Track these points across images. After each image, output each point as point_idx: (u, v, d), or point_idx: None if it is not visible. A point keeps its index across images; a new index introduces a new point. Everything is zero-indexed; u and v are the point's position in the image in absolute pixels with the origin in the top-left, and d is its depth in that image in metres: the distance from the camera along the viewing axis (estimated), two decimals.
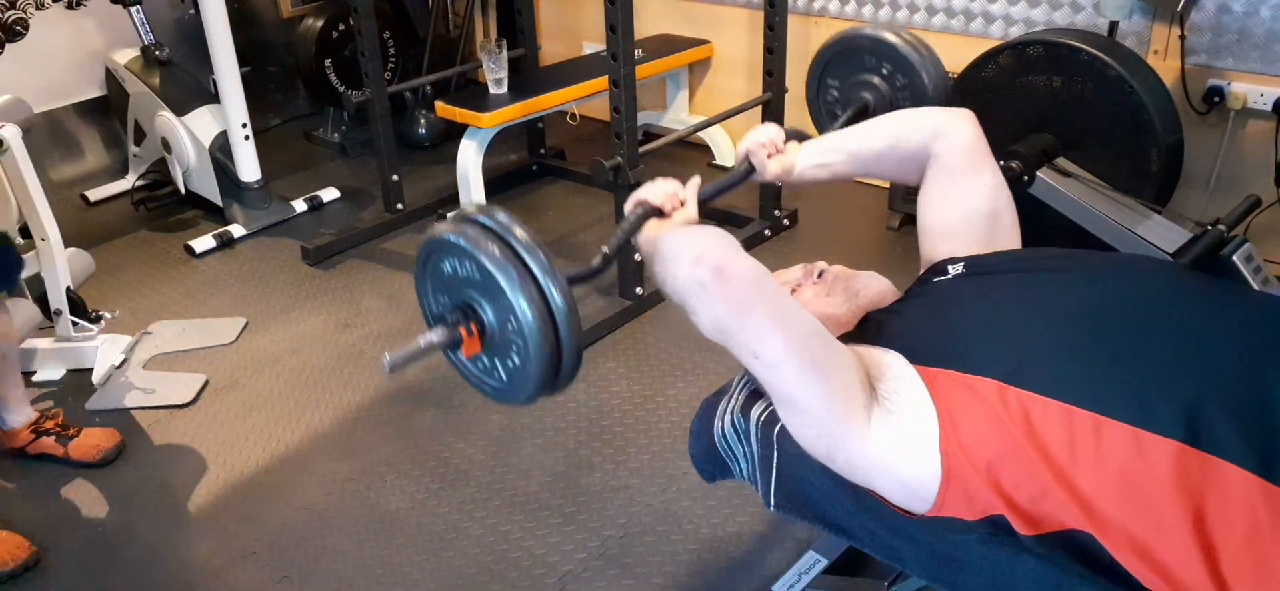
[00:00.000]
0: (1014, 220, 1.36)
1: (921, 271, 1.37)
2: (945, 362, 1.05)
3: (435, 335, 1.06)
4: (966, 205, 1.33)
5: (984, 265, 1.25)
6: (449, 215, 1.08)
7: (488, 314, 1.05)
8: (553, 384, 1.07)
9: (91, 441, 2.15)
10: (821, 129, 1.72)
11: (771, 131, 1.44)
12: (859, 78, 1.64)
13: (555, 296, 1.01)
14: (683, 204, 1.30)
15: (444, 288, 1.10)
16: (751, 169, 1.44)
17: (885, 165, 1.40)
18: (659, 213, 1.28)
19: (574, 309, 1.03)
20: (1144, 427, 0.93)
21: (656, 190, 1.29)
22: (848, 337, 1.22)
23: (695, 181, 1.33)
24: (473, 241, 1.02)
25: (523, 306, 1.00)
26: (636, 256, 2.60)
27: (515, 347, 1.04)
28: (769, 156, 1.42)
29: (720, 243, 1.08)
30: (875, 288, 1.32)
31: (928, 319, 1.18)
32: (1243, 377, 0.97)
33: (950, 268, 1.26)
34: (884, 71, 1.62)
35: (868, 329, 1.20)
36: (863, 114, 1.63)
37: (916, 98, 1.59)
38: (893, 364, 1.08)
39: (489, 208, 1.06)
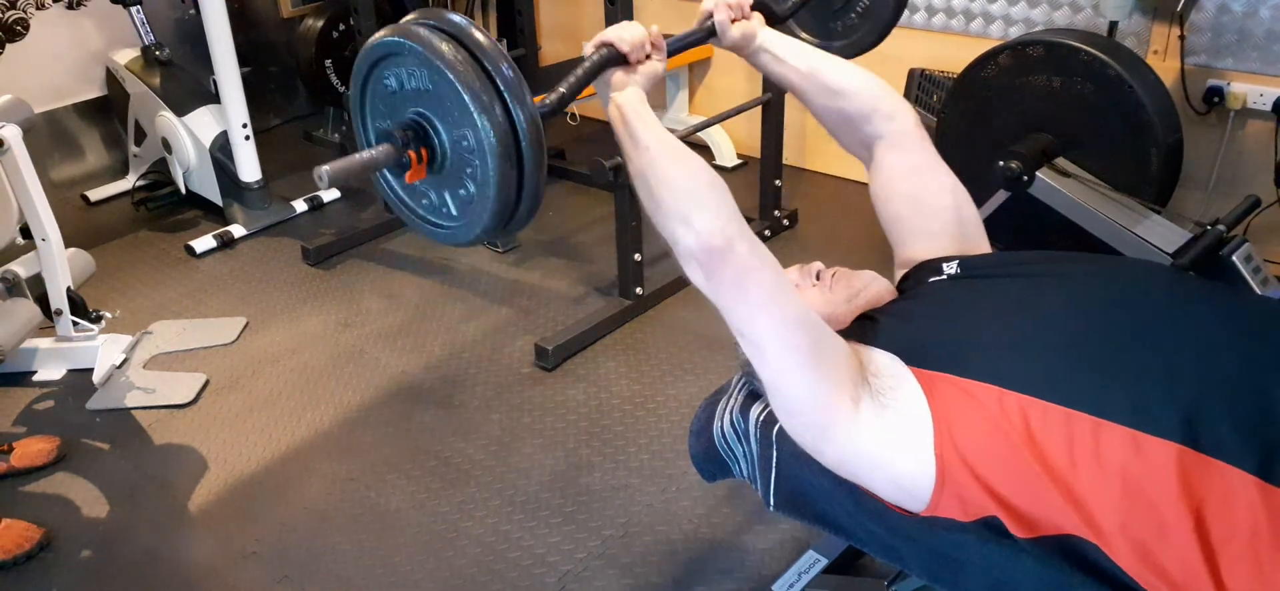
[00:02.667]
0: (978, 220, 1.36)
1: (900, 270, 1.36)
2: (943, 367, 1.05)
3: (380, 152, 0.93)
4: (929, 204, 1.34)
5: (980, 267, 1.25)
6: (402, 20, 0.94)
7: (440, 134, 0.93)
8: (506, 222, 0.96)
9: (33, 447, 2.15)
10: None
11: None
12: None
13: (521, 118, 0.89)
14: (649, 55, 1.22)
15: (388, 104, 0.97)
16: (713, 30, 1.36)
17: (830, 104, 1.36)
18: (624, 60, 1.19)
19: (542, 135, 0.91)
20: (1143, 430, 0.93)
21: (624, 33, 1.19)
22: (844, 336, 1.22)
23: (657, 29, 1.26)
24: (427, 47, 0.89)
25: (484, 123, 0.87)
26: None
27: (470, 173, 0.92)
28: (733, 20, 1.36)
29: (723, 216, 1.03)
30: (874, 288, 1.32)
31: (925, 321, 1.18)
32: (1242, 380, 0.96)
33: (945, 267, 1.26)
34: None
35: (864, 328, 1.20)
36: None
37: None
38: (887, 364, 1.08)
39: (439, 11, 0.93)
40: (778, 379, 1.06)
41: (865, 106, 1.34)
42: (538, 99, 1.00)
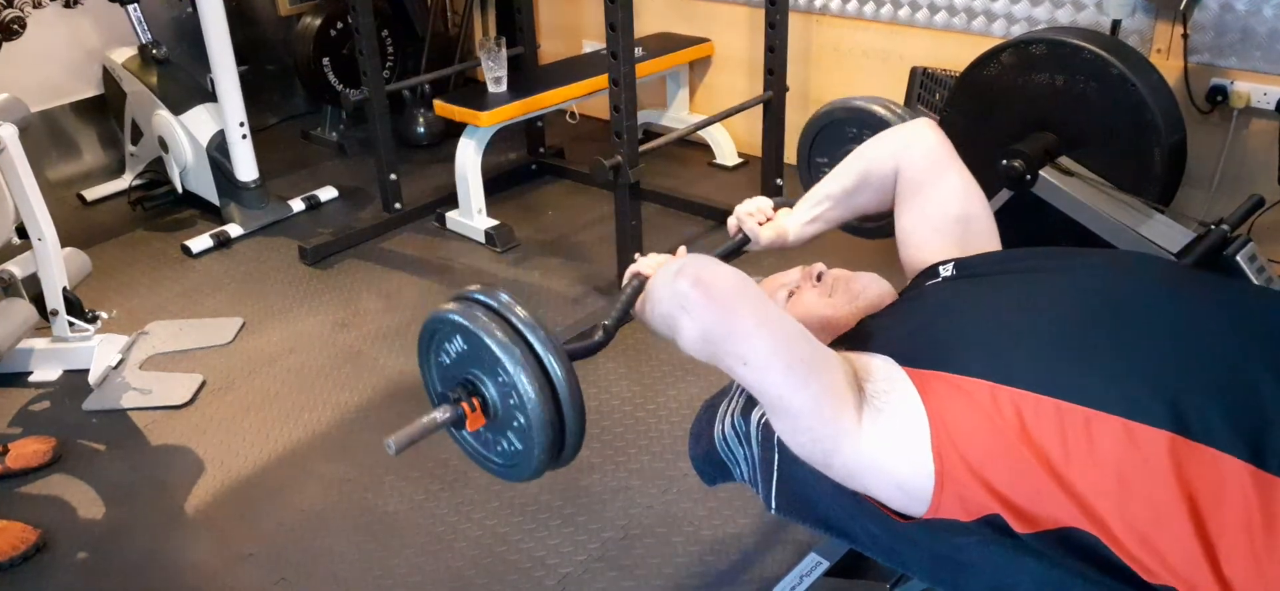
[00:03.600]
0: (989, 222, 1.36)
1: (908, 277, 1.37)
2: (935, 365, 1.05)
3: (440, 413, 1.10)
4: (936, 212, 1.34)
5: (974, 267, 1.25)
6: (453, 296, 1.12)
7: (490, 390, 1.09)
8: (557, 458, 1.09)
9: (29, 448, 2.14)
10: None
11: (760, 202, 1.48)
12: (846, 148, 1.63)
13: (556, 370, 1.04)
14: None
15: (448, 366, 1.14)
16: (746, 238, 1.48)
17: (866, 197, 1.42)
18: None
19: (575, 381, 1.05)
20: (1135, 419, 0.93)
21: (651, 263, 1.30)
22: (841, 341, 1.21)
23: (683, 250, 1.34)
24: (474, 321, 1.05)
25: (524, 381, 1.02)
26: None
27: (517, 423, 1.07)
28: (759, 225, 1.46)
29: (699, 257, 1.09)
30: (875, 290, 1.32)
31: (918, 322, 1.18)
32: (1232, 367, 0.96)
33: (942, 270, 1.27)
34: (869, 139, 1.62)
35: (859, 334, 1.21)
36: None
37: None
38: (881, 366, 1.08)
39: (490, 288, 1.10)
40: (783, 398, 1.05)
41: (886, 165, 1.39)
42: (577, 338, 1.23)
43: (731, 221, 1.50)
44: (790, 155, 3.29)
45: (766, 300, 1.08)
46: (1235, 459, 0.89)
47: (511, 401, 1.06)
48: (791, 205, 1.49)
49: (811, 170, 1.72)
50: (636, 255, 1.35)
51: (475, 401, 1.09)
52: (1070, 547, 0.94)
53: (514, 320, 1.05)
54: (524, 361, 1.02)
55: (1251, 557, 0.86)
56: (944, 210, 1.34)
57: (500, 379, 1.06)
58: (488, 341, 1.03)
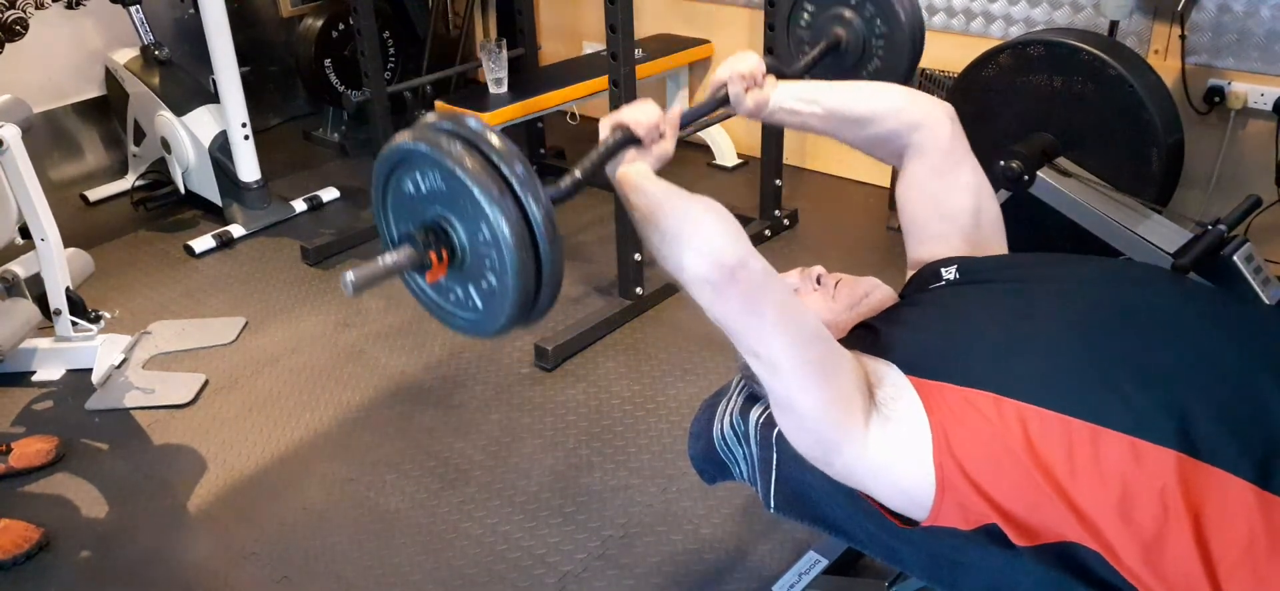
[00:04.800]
0: (998, 218, 1.35)
1: (910, 272, 1.36)
2: (941, 375, 1.05)
3: (401, 255, 0.97)
4: (949, 204, 1.33)
5: (977, 272, 1.24)
6: (416, 126, 0.98)
7: (459, 233, 0.96)
8: (529, 311, 0.98)
9: (32, 447, 2.15)
10: (787, 59, 1.65)
11: (752, 62, 1.37)
12: (834, 10, 1.58)
13: (534, 209, 0.92)
14: (663, 135, 1.22)
15: (408, 206, 1.00)
16: (727, 100, 1.37)
17: (858, 135, 1.36)
18: (637, 141, 1.20)
19: (555, 224, 0.94)
20: (1141, 437, 0.93)
21: (638, 114, 1.19)
22: (850, 342, 1.22)
23: (676, 110, 1.26)
24: (442, 150, 0.92)
25: (500, 221, 0.90)
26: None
27: (490, 268, 0.95)
28: (747, 90, 1.36)
29: (731, 236, 1.02)
30: (877, 296, 1.31)
31: (923, 329, 1.18)
32: (1239, 387, 0.96)
33: (944, 271, 1.25)
34: (864, 10, 1.56)
35: (865, 337, 1.20)
36: (834, 49, 1.58)
37: (892, 46, 1.55)
38: (889, 373, 1.08)
39: (457, 114, 0.97)
40: (791, 398, 1.05)
41: (892, 125, 1.34)
42: (553, 184, 1.03)
43: (717, 76, 1.38)
44: (790, 156, 3.31)
45: (790, 296, 1.07)
46: (1241, 479, 0.89)
47: (483, 244, 0.94)
48: (781, 77, 1.41)
49: (794, 14, 1.64)
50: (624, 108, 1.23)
51: (443, 250, 0.97)
52: (1068, 563, 0.94)
53: (486, 150, 0.92)
54: (501, 199, 0.90)
55: (1253, 577, 0.86)
56: (958, 203, 1.32)
57: (473, 219, 0.93)
58: (460, 175, 0.90)
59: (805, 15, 1.63)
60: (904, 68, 1.58)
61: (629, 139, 1.19)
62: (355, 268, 0.94)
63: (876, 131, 1.35)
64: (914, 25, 1.56)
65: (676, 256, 1.02)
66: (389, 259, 0.97)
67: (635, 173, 1.14)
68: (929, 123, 1.33)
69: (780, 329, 1.03)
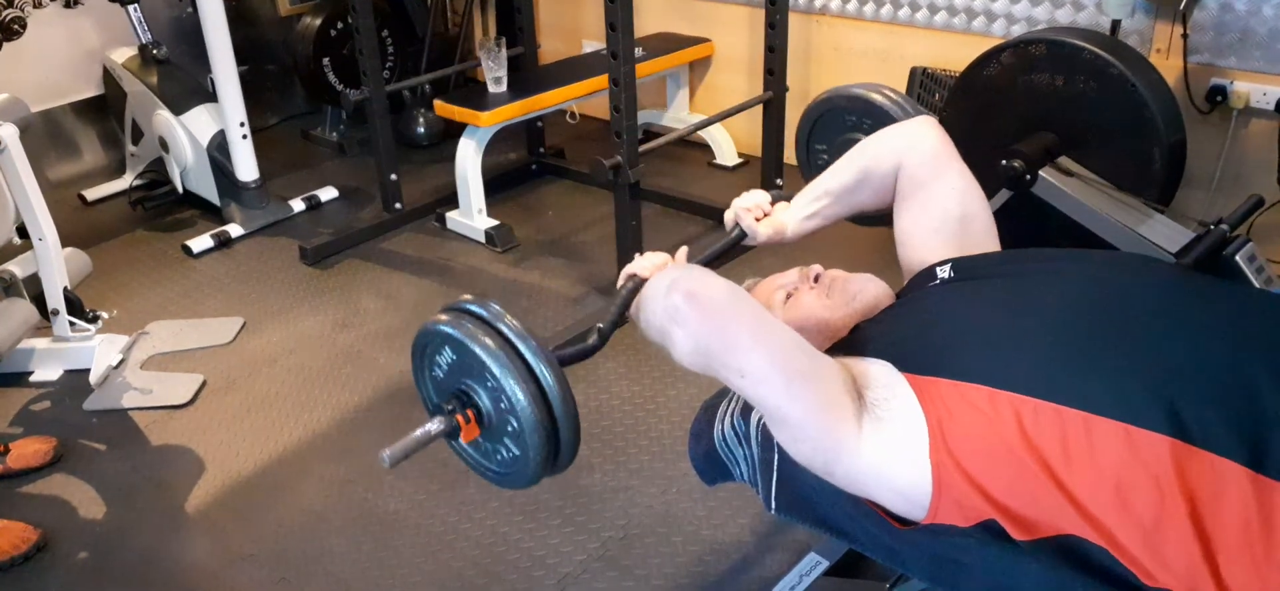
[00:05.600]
0: (989, 221, 1.36)
1: (906, 277, 1.36)
2: (934, 370, 1.04)
3: (434, 425, 1.10)
4: (936, 211, 1.34)
5: (971, 268, 1.25)
6: (444, 307, 1.13)
7: (483, 399, 1.09)
8: (553, 463, 1.09)
9: (30, 448, 2.14)
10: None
11: (758, 197, 1.46)
12: (845, 136, 1.63)
13: (546, 377, 1.04)
14: None
15: (441, 378, 1.15)
16: (743, 234, 1.46)
17: (865, 195, 1.41)
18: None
19: (566, 387, 1.06)
20: (1134, 424, 0.93)
21: (646, 263, 1.29)
22: (838, 346, 1.21)
23: (683, 251, 1.35)
24: (463, 331, 1.06)
25: (515, 389, 1.03)
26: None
27: (511, 431, 1.08)
28: (757, 220, 1.44)
29: (692, 271, 1.09)
30: (872, 291, 1.31)
31: (916, 326, 1.18)
32: (1230, 371, 0.96)
33: (939, 271, 1.26)
34: (867, 127, 1.60)
35: (856, 339, 1.20)
36: None
37: None
38: (880, 373, 1.07)
39: (481, 298, 1.10)
40: (780, 408, 1.05)
41: (885, 165, 1.38)
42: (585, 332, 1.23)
43: (728, 216, 1.48)
44: (790, 155, 3.29)
45: (761, 311, 1.08)
46: (1235, 463, 0.89)
47: (504, 409, 1.06)
48: (789, 200, 1.48)
49: (810, 157, 1.70)
50: (636, 255, 1.34)
51: (470, 412, 1.10)
52: (1068, 555, 0.94)
53: (502, 328, 1.06)
54: (513, 369, 1.03)
55: (1250, 561, 0.86)
56: (944, 209, 1.33)
57: (491, 387, 1.07)
58: (477, 351, 1.04)
59: (822, 156, 1.68)
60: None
61: (641, 284, 1.24)
62: (391, 445, 1.06)
63: (877, 179, 1.39)
64: None
65: (648, 310, 1.10)
66: (422, 429, 1.09)
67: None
68: (911, 140, 1.37)
69: (758, 343, 1.04)
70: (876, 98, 1.58)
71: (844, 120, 1.63)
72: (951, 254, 1.30)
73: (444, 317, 1.09)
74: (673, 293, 1.04)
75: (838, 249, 3.01)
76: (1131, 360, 0.99)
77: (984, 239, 1.34)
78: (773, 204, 1.47)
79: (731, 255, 1.51)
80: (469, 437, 1.11)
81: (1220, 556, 0.87)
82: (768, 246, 1.48)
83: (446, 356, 1.11)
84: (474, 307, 1.09)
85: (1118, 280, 1.14)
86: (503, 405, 1.06)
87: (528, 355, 1.04)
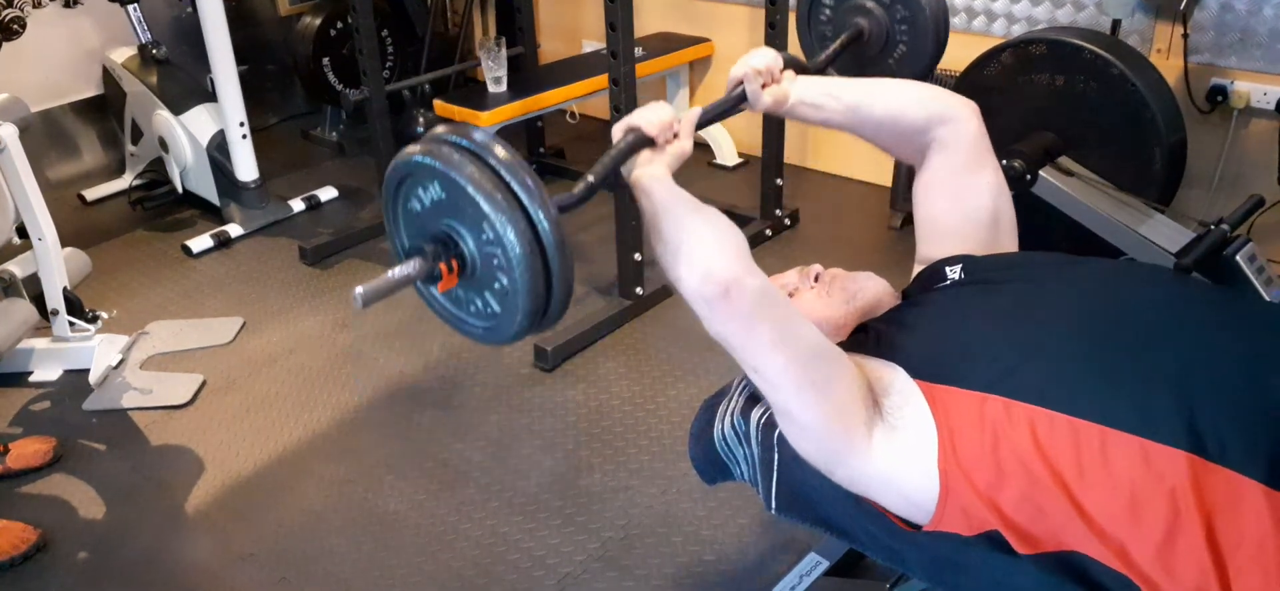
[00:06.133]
0: (1013, 220, 1.34)
1: (917, 267, 1.35)
2: (948, 379, 1.04)
3: (411, 267, 0.96)
4: (970, 203, 1.31)
5: (983, 272, 1.23)
6: (423, 138, 0.98)
7: (468, 245, 0.96)
8: (541, 319, 0.99)
9: (29, 448, 2.14)
10: (809, 52, 1.63)
11: (769, 58, 1.34)
12: (854, 1, 1.57)
13: (542, 222, 0.92)
14: (677, 136, 1.19)
15: (417, 218, 1.01)
16: (743, 97, 1.34)
17: (882, 134, 1.34)
18: (651, 142, 1.17)
19: (564, 236, 0.94)
20: (1151, 438, 0.92)
21: (650, 116, 1.17)
22: (847, 346, 1.21)
23: (693, 112, 1.24)
24: (450, 164, 0.92)
25: (509, 235, 0.90)
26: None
27: (500, 281, 0.96)
28: (764, 86, 1.33)
29: (728, 254, 1.03)
30: (872, 289, 1.31)
31: (929, 331, 1.16)
32: (1247, 387, 0.96)
33: (949, 272, 1.24)
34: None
35: (868, 339, 1.19)
36: (856, 40, 1.56)
37: (915, 32, 1.53)
38: (896, 380, 1.07)
39: (463, 126, 0.97)
40: (791, 411, 1.05)
41: (918, 119, 1.31)
42: (575, 183, 1.03)
43: (734, 73, 1.35)
44: (791, 155, 3.30)
45: (790, 314, 1.06)
46: (1251, 479, 0.89)
47: (494, 257, 0.94)
48: (800, 70, 1.38)
49: (813, 11, 1.63)
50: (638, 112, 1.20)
51: (453, 261, 0.97)
52: (1069, 571, 0.94)
53: (494, 163, 0.92)
54: (509, 211, 0.90)
55: (1264, 578, 0.86)
56: (979, 204, 1.31)
57: (482, 232, 0.93)
58: (468, 189, 0.91)
59: (825, 10, 1.62)
60: (930, 52, 1.55)
61: (641, 141, 1.16)
62: (365, 283, 0.93)
63: (902, 126, 1.32)
64: (936, 8, 1.53)
65: (674, 269, 1.03)
66: (399, 271, 0.96)
67: (647, 175, 1.13)
68: (956, 117, 1.30)
69: (777, 348, 1.03)
70: None
71: None
72: (975, 250, 1.28)
73: (426, 149, 0.95)
74: (708, 283, 1.01)
75: (840, 250, 3.02)
76: (1149, 374, 0.98)
77: (1009, 238, 1.33)
78: (782, 71, 1.36)
79: (728, 116, 1.40)
80: (447, 287, 0.99)
81: (1233, 572, 0.87)
82: (767, 112, 1.37)
83: (431, 193, 0.97)
84: (457, 138, 0.95)
85: (1132, 292, 1.13)
86: (494, 255, 0.94)
87: (522, 196, 0.91)
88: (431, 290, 1.03)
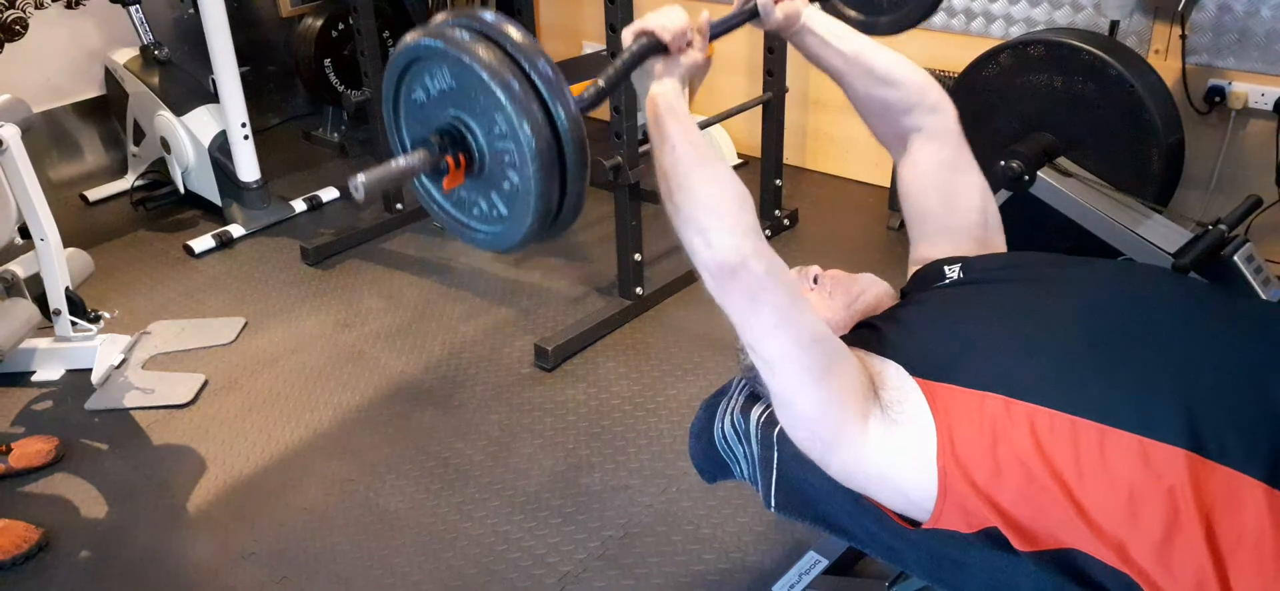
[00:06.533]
0: (999, 218, 1.36)
1: (913, 267, 1.35)
2: (947, 377, 1.05)
3: (416, 158, 0.88)
4: (962, 204, 1.33)
5: (982, 271, 1.24)
6: (428, 25, 0.89)
7: (477, 137, 0.88)
8: (550, 225, 0.91)
9: (32, 447, 2.15)
10: None
11: None
12: None
13: (561, 117, 0.83)
14: (691, 43, 1.13)
15: (422, 108, 0.92)
16: (756, 11, 1.28)
17: (872, 95, 1.32)
18: (664, 50, 1.11)
19: (584, 134, 0.86)
20: (1150, 437, 0.92)
21: (664, 20, 1.10)
22: (847, 342, 1.21)
23: (706, 17, 1.18)
24: (461, 48, 0.84)
25: (525, 129, 0.82)
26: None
27: (510, 180, 0.88)
28: (777, 1, 1.27)
29: (738, 232, 1.00)
30: (874, 292, 1.31)
31: (928, 329, 1.17)
32: (1246, 385, 0.96)
33: (948, 271, 1.25)
34: None
35: (867, 336, 1.19)
36: None
37: None
38: (894, 376, 1.08)
39: (474, 11, 0.89)
40: (787, 395, 1.06)
41: (910, 98, 1.31)
42: (576, 90, 0.92)
43: None
44: (790, 156, 3.31)
45: (794, 300, 1.05)
46: (1251, 478, 0.89)
47: (505, 153, 0.86)
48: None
49: None
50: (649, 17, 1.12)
51: (460, 155, 0.89)
52: (1067, 569, 0.95)
53: (511, 48, 0.83)
54: (525, 102, 0.82)
55: (1262, 577, 0.86)
56: (969, 204, 1.33)
57: (494, 124, 0.85)
58: (482, 76, 0.82)
59: None
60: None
61: (655, 45, 1.09)
62: (366, 170, 0.87)
63: (893, 97, 1.31)
64: None
65: (685, 236, 1.02)
66: (403, 161, 0.89)
67: (664, 99, 1.08)
68: (946, 111, 1.32)
69: (779, 329, 1.03)
70: None
71: None
72: (969, 249, 1.30)
73: (431, 32, 0.87)
74: (716, 258, 1.00)
75: (839, 251, 3.02)
76: (1148, 373, 0.98)
77: (997, 237, 1.34)
78: None
79: (735, 28, 1.30)
80: (453, 184, 0.91)
81: (1232, 570, 0.87)
82: (776, 29, 1.30)
83: (439, 81, 0.89)
84: (468, 21, 0.86)
85: (1131, 291, 1.13)
86: (505, 149, 0.85)
87: (540, 84, 0.83)
88: (434, 191, 0.96)
